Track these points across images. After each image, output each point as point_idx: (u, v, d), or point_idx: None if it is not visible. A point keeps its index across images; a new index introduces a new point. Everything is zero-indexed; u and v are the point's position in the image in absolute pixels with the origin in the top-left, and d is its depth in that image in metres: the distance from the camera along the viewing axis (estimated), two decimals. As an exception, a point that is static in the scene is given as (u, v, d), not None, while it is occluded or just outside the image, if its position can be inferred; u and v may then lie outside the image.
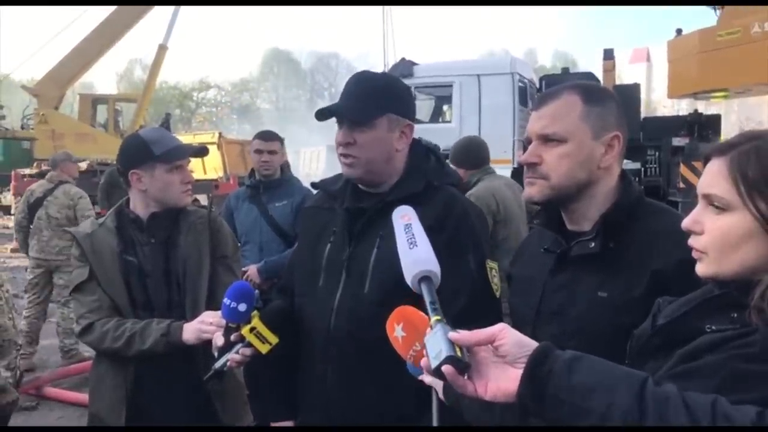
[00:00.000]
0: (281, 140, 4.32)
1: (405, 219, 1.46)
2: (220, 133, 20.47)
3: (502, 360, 1.07)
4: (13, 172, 16.80)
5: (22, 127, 20.92)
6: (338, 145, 1.90)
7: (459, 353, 1.08)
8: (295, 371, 2.01)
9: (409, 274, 1.27)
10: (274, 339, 1.89)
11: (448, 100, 11.01)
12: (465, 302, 1.78)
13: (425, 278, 1.26)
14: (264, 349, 1.89)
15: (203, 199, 16.25)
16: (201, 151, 2.47)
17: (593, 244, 1.54)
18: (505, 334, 1.07)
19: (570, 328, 1.55)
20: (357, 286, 1.87)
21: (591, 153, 1.57)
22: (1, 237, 9.81)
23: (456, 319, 1.17)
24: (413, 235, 1.38)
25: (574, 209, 1.63)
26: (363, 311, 1.83)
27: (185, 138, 20.99)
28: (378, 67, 16.04)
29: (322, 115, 1.91)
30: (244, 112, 64.58)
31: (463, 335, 1.08)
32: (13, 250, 12.66)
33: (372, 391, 1.85)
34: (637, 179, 9.78)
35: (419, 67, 11.14)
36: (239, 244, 4.24)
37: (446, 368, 1.06)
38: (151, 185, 2.30)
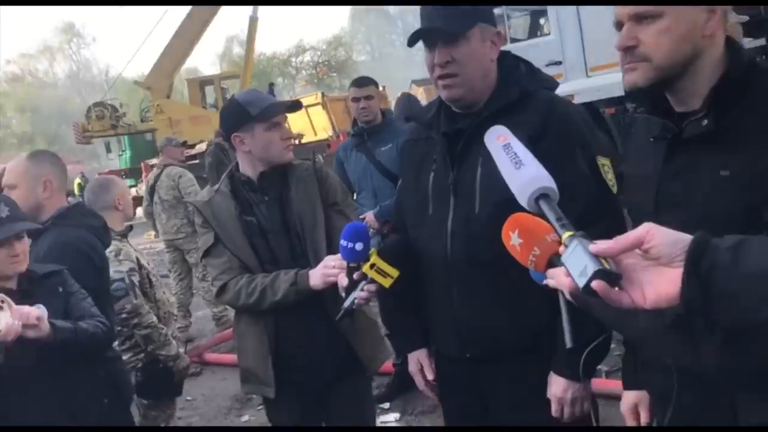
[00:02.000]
0: (376, 84, 4.33)
1: (501, 140, 1.36)
2: (322, 93, 20.73)
3: (655, 262, 0.97)
4: (142, 164, 17.86)
5: (142, 120, 22.11)
6: (434, 67, 1.87)
7: (606, 265, 1.00)
8: (421, 300, 2.05)
9: (524, 195, 1.19)
10: (394, 272, 1.93)
11: (543, 13, 10.54)
12: (583, 205, 1.73)
13: (542, 196, 1.17)
14: (386, 282, 1.94)
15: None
16: (295, 106, 2.51)
17: (706, 122, 1.43)
18: (653, 234, 0.97)
19: (694, 215, 1.46)
20: (467, 208, 1.87)
21: (692, 22, 1.43)
22: (145, 225, 10.69)
23: (577, 224, 1.11)
24: (515, 154, 1.28)
25: (681, 88, 1.51)
26: (477, 231, 1.82)
27: (290, 103, 21.44)
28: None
29: (414, 38, 1.89)
30: (343, 68, 64.91)
31: (607, 245, 0.99)
32: (155, 236, 13.58)
33: (501, 307, 1.85)
34: (764, 57, 8.94)
35: (509, -17, 10.67)
36: (354, 193, 4.36)
37: (597, 284, 0.98)
38: (254, 145, 2.37)
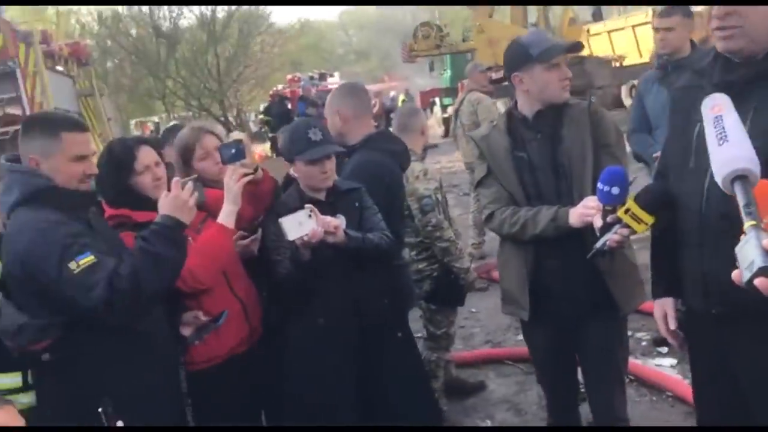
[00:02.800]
0: (686, 13, 4.02)
1: (715, 110, 1.31)
2: (653, 11, 19.18)
3: None
4: (459, 84, 18.56)
5: (464, 40, 22.74)
6: (713, 18, 1.80)
7: None
8: (675, 251, 2.04)
9: (720, 174, 1.15)
10: (649, 219, 1.96)
11: None
12: None
13: (739, 177, 1.13)
14: (640, 228, 1.98)
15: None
16: (574, 47, 2.55)
17: None
18: None
19: None
20: None
21: None
22: (452, 145, 11.43)
23: None
24: (723, 128, 1.24)
25: None
26: None
27: (617, 22, 20.25)
28: None
29: None
30: (684, -18, 58.75)
31: None
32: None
33: None
34: None
35: None
36: (651, 129, 4.20)
37: (760, 281, 0.95)
38: (532, 85, 2.48)
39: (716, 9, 1.75)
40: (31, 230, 2.13)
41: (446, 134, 20.73)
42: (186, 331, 2.59)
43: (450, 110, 20.13)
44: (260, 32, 26.01)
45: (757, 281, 0.97)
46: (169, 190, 2.31)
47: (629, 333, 4.36)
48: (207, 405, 2.68)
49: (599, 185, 2.04)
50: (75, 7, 27.06)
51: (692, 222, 1.89)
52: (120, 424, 1.86)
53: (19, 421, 1.81)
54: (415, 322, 3.81)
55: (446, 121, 20.88)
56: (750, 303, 1.79)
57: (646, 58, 17.28)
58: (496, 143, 2.59)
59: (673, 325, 2.07)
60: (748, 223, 1.05)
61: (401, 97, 23.21)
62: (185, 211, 2.25)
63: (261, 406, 2.89)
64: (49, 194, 2.20)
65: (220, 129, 3.75)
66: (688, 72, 2.05)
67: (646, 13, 18.90)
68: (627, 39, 17.98)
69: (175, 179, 2.32)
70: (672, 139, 2.06)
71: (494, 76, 14.69)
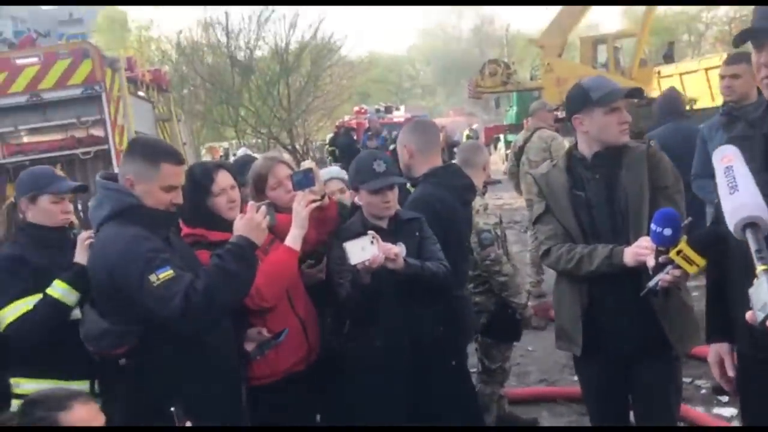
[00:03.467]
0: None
1: (725, 161, 1.39)
2: (728, 54, 18.80)
3: None
4: (524, 122, 18.55)
5: (531, 78, 22.80)
6: (762, 66, 1.86)
7: None
8: (727, 295, 2.07)
9: (731, 221, 1.23)
10: (701, 261, 2.01)
11: None
12: None
13: (750, 225, 1.21)
14: (692, 270, 2.03)
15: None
16: (635, 93, 2.63)
17: None
18: None
19: None
20: None
21: None
22: (507, 183, 11.52)
23: None
24: (734, 178, 1.32)
25: None
26: None
27: (689, 64, 19.93)
28: None
29: (742, 38, 1.90)
30: None
31: None
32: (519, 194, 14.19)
33: None
34: None
35: None
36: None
37: None
38: (591, 127, 2.57)
39: (765, 57, 1.81)
40: (118, 243, 2.32)
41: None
42: (249, 347, 2.74)
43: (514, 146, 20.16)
44: (330, 64, 26.59)
45: None
46: (243, 212, 2.47)
47: (689, 380, 4.35)
48: (265, 419, 2.81)
49: (652, 226, 2.11)
50: (156, 35, 28.32)
51: (741, 266, 1.93)
52: (189, 425, 2.00)
53: (101, 417, 1.98)
54: (471, 356, 3.86)
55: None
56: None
57: (718, 102, 16.96)
58: (556, 181, 2.67)
59: (731, 372, 2.10)
60: (760, 268, 1.12)
61: (466, 132, 23.30)
62: (258, 233, 2.41)
63: (316, 422, 3.01)
64: (135, 212, 2.39)
65: (288, 157, 3.94)
66: (742, 122, 2.10)
67: (720, 56, 18.53)
68: (699, 82, 17.64)
69: (251, 203, 2.49)
70: (728, 184, 2.10)
71: (560, 114, 14.66)
